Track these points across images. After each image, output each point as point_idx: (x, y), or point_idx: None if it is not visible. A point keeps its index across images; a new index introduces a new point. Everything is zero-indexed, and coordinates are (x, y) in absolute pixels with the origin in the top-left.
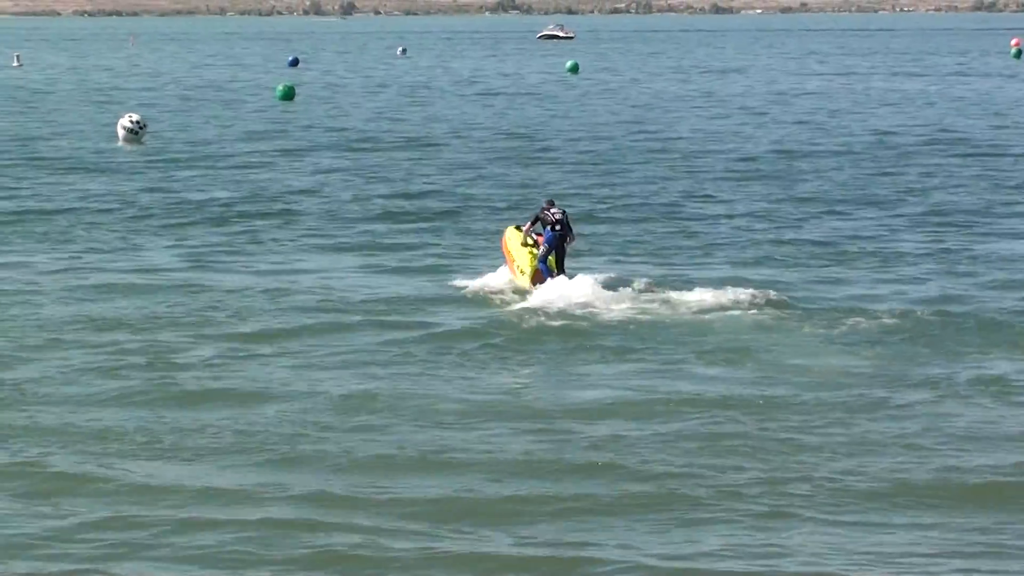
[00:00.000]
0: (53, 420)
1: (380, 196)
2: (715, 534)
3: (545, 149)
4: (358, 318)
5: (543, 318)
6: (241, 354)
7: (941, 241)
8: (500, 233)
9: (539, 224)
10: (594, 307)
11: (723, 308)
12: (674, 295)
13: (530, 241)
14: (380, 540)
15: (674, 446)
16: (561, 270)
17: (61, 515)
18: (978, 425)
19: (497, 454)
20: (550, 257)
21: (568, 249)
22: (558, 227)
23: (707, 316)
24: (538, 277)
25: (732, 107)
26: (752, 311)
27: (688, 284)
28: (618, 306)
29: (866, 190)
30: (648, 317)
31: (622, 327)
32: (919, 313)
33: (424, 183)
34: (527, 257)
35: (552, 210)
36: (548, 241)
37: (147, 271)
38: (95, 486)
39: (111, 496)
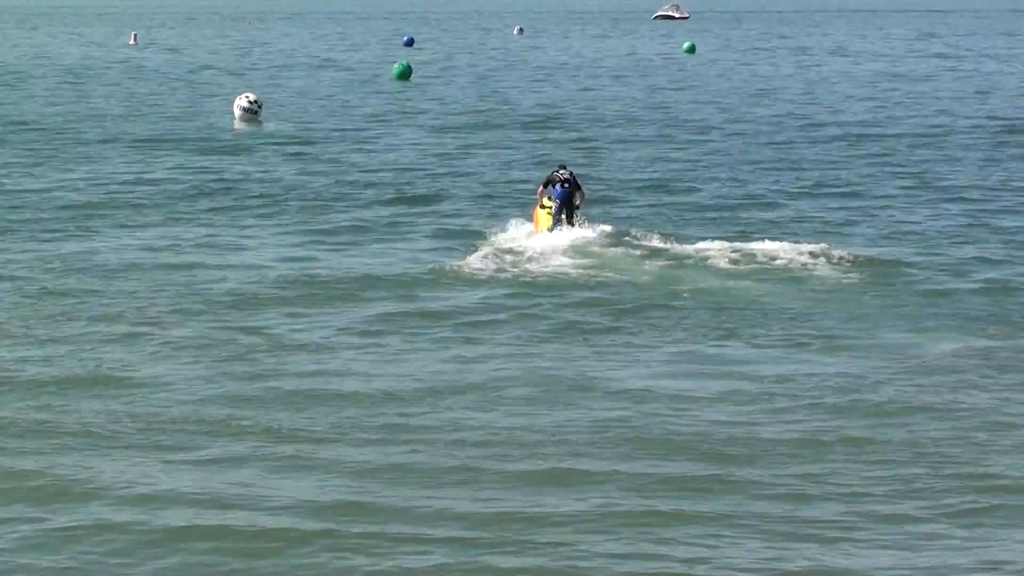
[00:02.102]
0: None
1: (506, 180)
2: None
3: (676, 128)
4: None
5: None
6: (371, 347)
7: None
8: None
9: (551, 187)
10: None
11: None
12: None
13: (547, 203)
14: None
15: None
16: (571, 223)
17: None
18: None
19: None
20: (563, 213)
21: (579, 205)
22: (566, 185)
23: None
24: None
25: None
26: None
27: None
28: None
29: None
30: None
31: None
32: None
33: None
34: (545, 218)
35: (561, 171)
36: (559, 197)
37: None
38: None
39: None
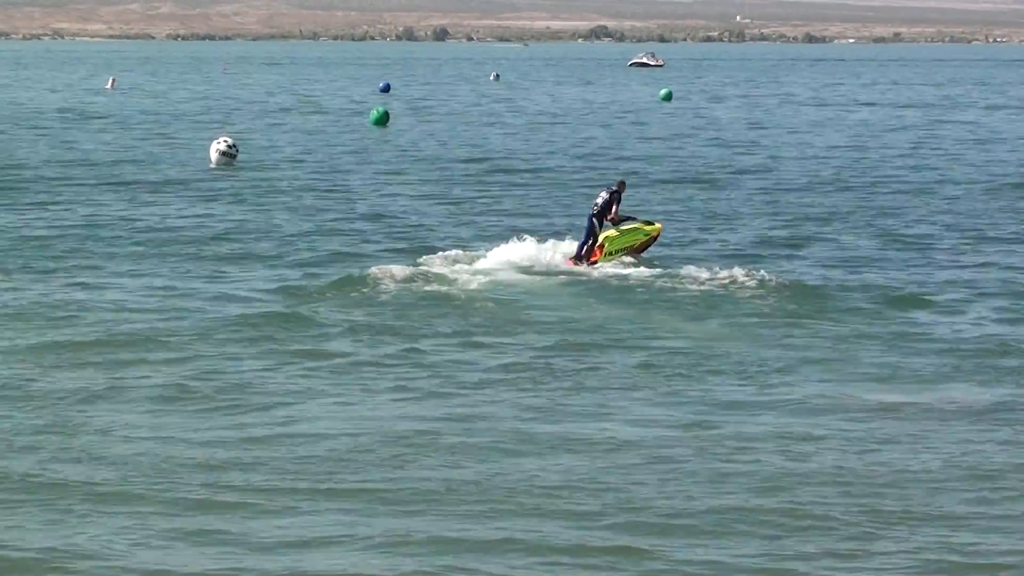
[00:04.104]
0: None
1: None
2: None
3: (631, 171)
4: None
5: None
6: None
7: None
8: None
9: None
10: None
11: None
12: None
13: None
14: None
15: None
16: (585, 254)
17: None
18: None
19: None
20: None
21: (612, 220)
22: (594, 208)
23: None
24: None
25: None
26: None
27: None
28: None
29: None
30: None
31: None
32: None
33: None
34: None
35: (600, 194)
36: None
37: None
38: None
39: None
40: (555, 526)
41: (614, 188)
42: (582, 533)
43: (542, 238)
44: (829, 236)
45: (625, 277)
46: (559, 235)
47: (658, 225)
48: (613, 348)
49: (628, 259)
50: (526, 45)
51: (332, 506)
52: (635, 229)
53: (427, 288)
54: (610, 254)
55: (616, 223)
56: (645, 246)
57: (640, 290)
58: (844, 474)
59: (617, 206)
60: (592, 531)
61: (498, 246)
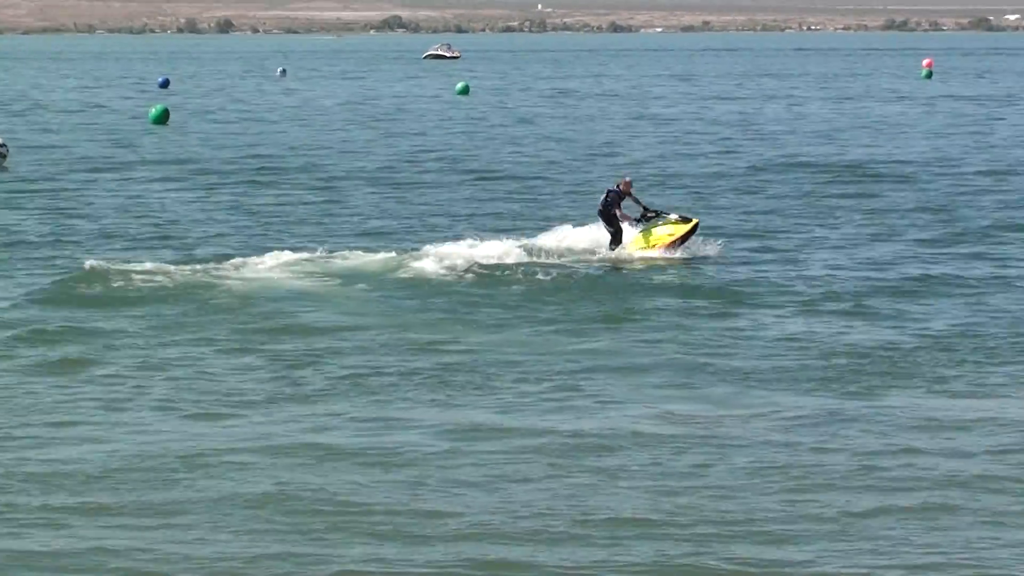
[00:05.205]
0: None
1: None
2: None
3: (424, 172)
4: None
5: None
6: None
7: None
8: None
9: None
10: None
11: None
12: None
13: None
14: None
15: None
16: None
17: None
18: None
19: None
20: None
21: (619, 216)
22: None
23: None
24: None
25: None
26: None
27: None
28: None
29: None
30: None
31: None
32: None
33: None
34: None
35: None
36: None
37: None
38: None
39: None
40: (305, 543)
41: (614, 187)
42: (338, 551)
43: (314, 241)
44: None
45: (422, 278)
46: (334, 239)
47: (694, 220)
48: (392, 354)
49: (430, 263)
50: (339, 36)
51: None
52: (662, 228)
53: (191, 292)
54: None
55: (646, 218)
56: (676, 244)
57: (445, 291)
58: (643, 481)
59: (627, 201)
60: (351, 547)
61: (271, 251)
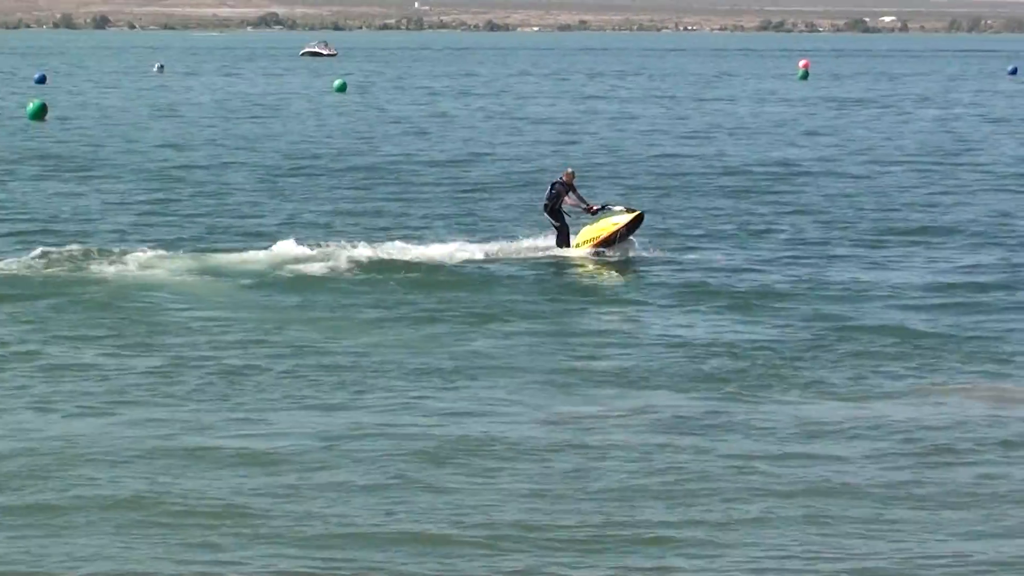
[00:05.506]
0: None
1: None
2: None
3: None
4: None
5: None
6: None
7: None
8: None
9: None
10: None
11: None
12: None
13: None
14: None
15: None
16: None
17: None
18: None
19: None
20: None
21: (565, 210)
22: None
23: None
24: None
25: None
26: None
27: None
28: None
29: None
30: None
31: None
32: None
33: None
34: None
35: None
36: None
37: None
38: None
39: None
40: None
41: (558, 179)
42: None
43: (191, 238)
44: (507, 232)
45: (302, 276)
46: (211, 236)
47: (637, 211)
48: (271, 353)
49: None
50: (222, 33)
51: None
52: (606, 220)
53: (65, 288)
54: (579, 245)
55: (592, 212)
56: (617, 236)
57: (322, 286)
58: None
59: (571, 195)
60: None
61: (148, 247)
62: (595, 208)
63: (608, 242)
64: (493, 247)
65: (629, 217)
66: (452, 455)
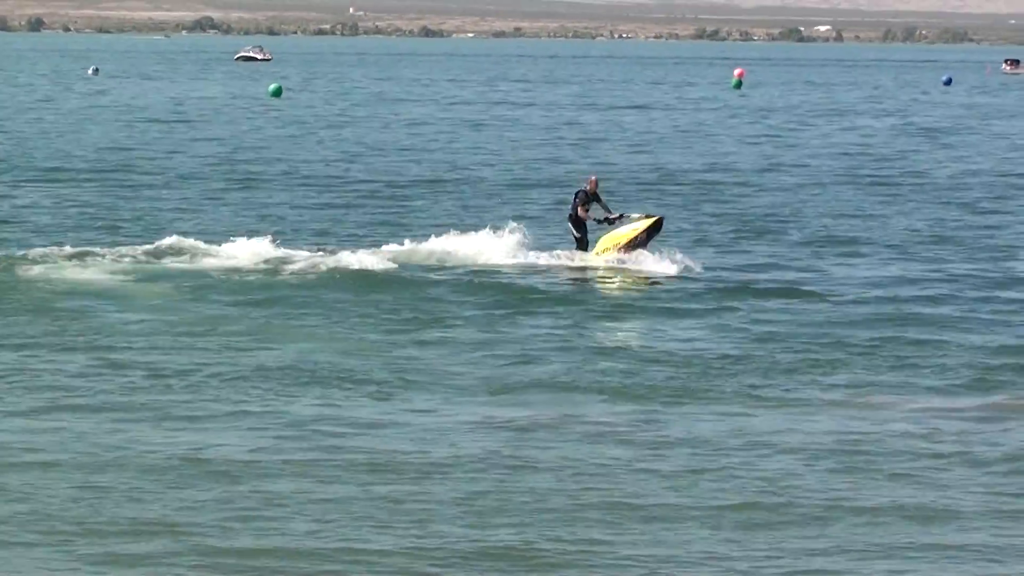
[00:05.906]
0: None
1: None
2: None
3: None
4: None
5: None
6: None
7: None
8: None
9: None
10: None
11: None
12: None
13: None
14: None
15: None
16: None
17: None
18: None
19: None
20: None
21: (586, 219)
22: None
23: None
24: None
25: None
26: None
27: None
28: None
29: None
30: None
31: None
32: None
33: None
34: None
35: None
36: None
37: None
38: None
39: None
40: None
41: (582, 188)
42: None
43: (124, 241)
44: (420, 233)
45: (240, 281)
46: (145, 236)
47: (656, 216)
48: (204, 355)
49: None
50: (167, 36)
51: None
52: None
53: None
54: (600, 252)
55: (611, 222)
56: (638, 240)
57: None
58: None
59: (587, 205)
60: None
61: (81, 250)
62: (614, 217)
63: (630, 247)
64: (429, 249)
65: (649, 222)
66: (384, 464)
